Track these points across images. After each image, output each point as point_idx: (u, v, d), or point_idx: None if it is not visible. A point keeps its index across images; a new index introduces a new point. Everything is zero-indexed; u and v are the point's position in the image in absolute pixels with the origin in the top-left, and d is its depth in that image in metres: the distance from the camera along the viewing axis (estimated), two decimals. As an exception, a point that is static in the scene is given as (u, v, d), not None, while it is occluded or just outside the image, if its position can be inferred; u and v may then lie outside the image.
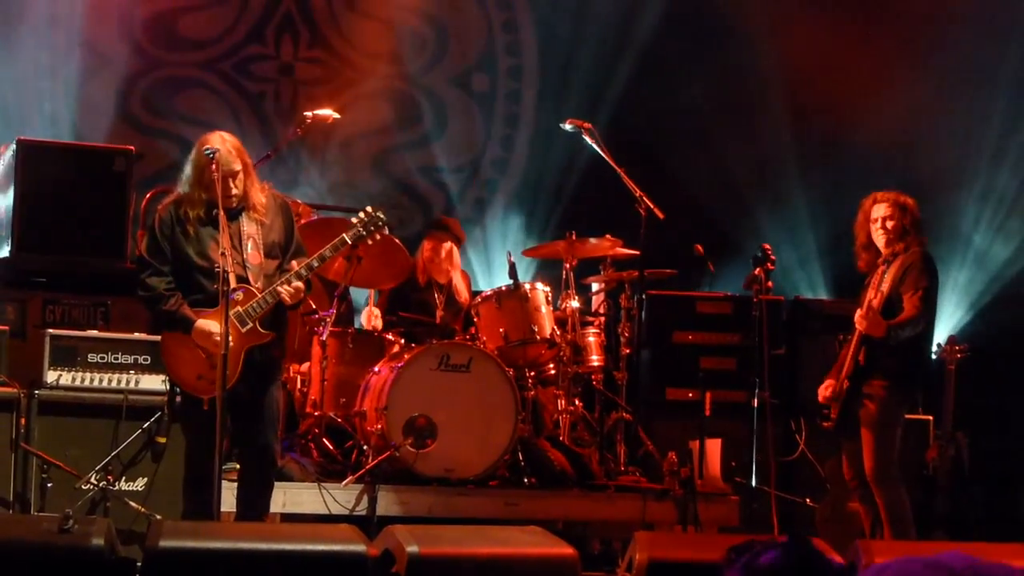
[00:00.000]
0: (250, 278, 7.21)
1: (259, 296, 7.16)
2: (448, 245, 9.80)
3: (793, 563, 3.29)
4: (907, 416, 8.50)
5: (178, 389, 7.36)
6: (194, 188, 7.20)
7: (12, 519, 7.39)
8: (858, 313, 8.23)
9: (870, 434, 8.19)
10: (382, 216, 7.58)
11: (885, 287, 8.24)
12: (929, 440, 9.80)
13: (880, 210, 8.36)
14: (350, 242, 7.54)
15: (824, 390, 8.37)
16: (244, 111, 12.31)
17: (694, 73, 12.42)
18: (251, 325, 7.16)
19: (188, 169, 7.27)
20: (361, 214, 7.58)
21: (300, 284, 7.23)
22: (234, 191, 7.21)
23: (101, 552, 5.55)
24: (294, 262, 7.35)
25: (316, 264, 7.40)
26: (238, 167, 7.22)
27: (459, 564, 5.87)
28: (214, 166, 7.08)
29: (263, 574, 5.64)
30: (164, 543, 5.63)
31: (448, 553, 5.93)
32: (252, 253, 7.24)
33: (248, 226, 7.27)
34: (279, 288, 7.16)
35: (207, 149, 7.13)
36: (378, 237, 7.65)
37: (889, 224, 8.32)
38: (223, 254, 6.97)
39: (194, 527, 6.47)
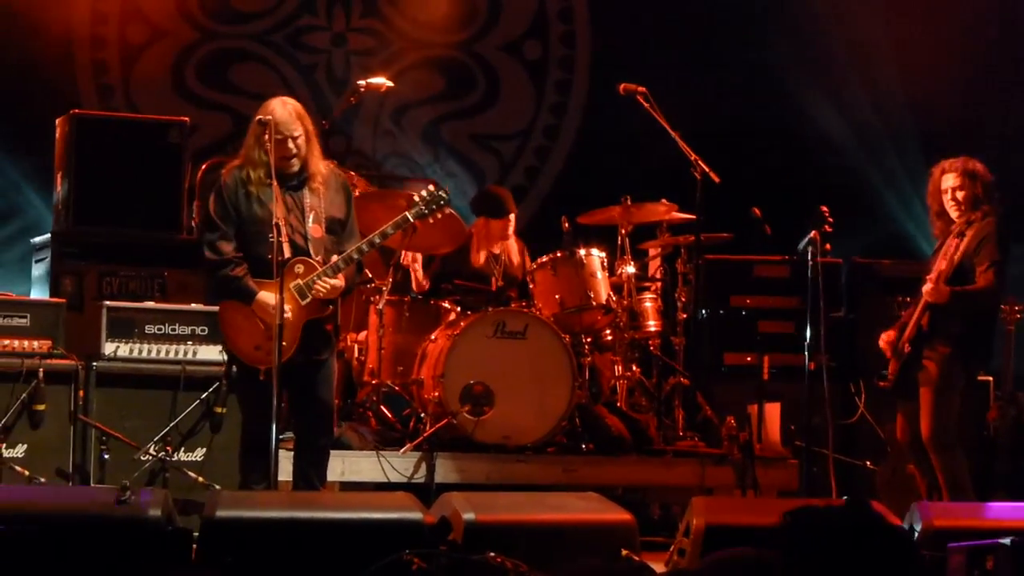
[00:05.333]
0: (311, 251, 7.17)
1: (319, 270, 7.12)
2: (513, 218, 9.72)
3: (853, 526, 3.26)
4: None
5: (235, 360, 7.36)
6: (252, 151, 7.14)
7: (70, 491, 7.43)
8: (927, 285, 8.07)
9: (928, 397, 8.05)
10: (444, 195, 7.53)
11: (957, 256, 8.02)
12: (990, 402, 9.70)
13: (949, 180, 8.16)
14: (412, 220, 7.49)
15: (884, 340, 8.24)
16: (297, 83, 12.31)
17: (757, 34, 12.34)
18: (310, 298, 7.13)
19: (248, 137, 7.23)
20: (424, 192, 7.54)
21: (339, 283, 7.15)
22: (293, 151, 7.14)
23: (158, 523, 5.56)
24: (347, 244, 7.31)
25: (378, 240, 7.38)
26: (298, 131, 7.15)
27: (516, 531, 5.86)
28: (267, 135, 7.05)
29: (319, 543, 5.64)
30: (221, 513, 5.65)
31: (505, 520, 5.92)
32: (313, 226, 7.20)
33: (310, 198, 7.22)
34: (316, 284, 7.09)
35: (260, 119, 7.11)
36: (439, 216, 7.61)
37: (960, 195, 8.12)
38: (276, 224, 6.94)
39: (250, 497, 6.50)
